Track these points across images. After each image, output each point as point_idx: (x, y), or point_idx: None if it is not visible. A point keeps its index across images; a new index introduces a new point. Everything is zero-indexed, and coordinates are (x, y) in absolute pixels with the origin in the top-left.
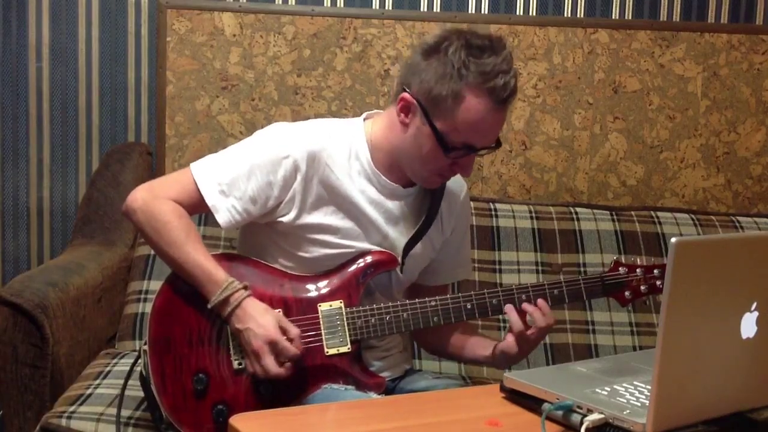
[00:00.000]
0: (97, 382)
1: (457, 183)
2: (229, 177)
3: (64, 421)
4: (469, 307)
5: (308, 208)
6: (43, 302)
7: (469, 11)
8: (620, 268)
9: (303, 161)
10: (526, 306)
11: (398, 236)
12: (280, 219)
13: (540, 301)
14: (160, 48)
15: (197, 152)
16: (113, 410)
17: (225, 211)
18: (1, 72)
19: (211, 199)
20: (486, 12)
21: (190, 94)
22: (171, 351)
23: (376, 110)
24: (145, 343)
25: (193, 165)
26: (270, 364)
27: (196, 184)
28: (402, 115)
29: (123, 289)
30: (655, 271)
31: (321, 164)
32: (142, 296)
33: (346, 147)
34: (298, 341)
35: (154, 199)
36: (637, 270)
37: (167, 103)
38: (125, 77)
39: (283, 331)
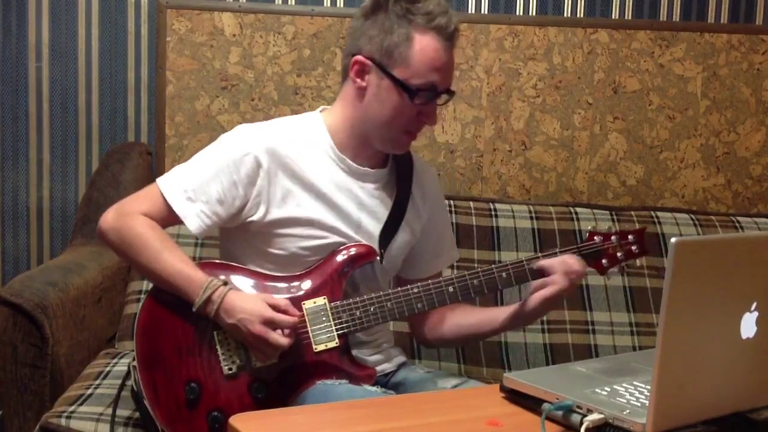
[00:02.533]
0: (97, 382)
1: (424, 168)
2: (194, 183)
3: (63, 421)
4: (451, 290)
5: (276, 202)
6: (43, 302)
7: (469, 11)
8: (595, 237)
9: (263, 156)
10: (543, 263)
11: (372, 223)
12: (250, 219)
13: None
14: (160, 48)
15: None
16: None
17: (194, 216)
18: (1, 72)
19: (179, 208)
20: (486, 12)
21: (189, 94)
22: (160, 364)
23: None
24: (134, 360)
25: (159, 179)
26: (277, 338)
27: (162, 195)
28: (358, 80)
29: (123, 289)
30: (630, 236)
31: (283, 157)
32: (142, 296)
33: (306, 137)
34: (291, 309)
35: (123, 216)
36: (612, 237)
37: (167, 103)
38: (125, 77)
39: (273, 307)
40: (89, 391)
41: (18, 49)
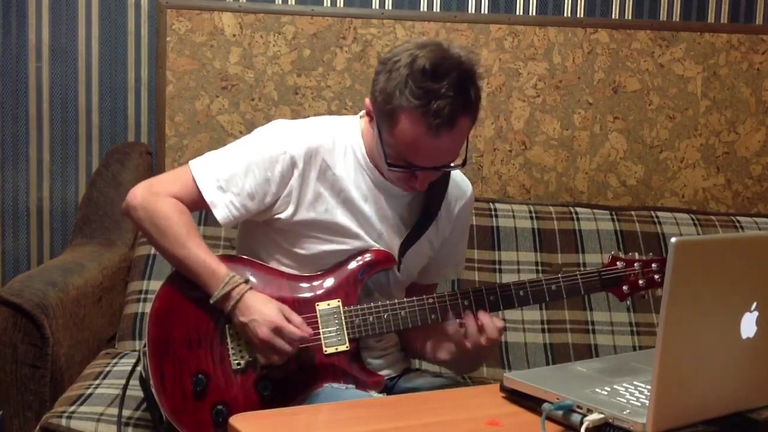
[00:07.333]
0: (97, 382)
1: (460, 187)
2: (227, 173)
3: (64, 421)
4: (466, 303)
5: (305, 204)
6: (43, 302)
7: (469, 11)
8: (618, 263)
9: (300, 158)
10: (465, 315)
11: (393, 235)
12: (277, 216)
13: (481, 312)
14: (160, 48)
15: (197, 152)
16: (113, 410)
17: (223, 206)
18: (1, 72)
19: (210, 195)
20: (486, 12)
21: (190, 94)
22: (170, 353)
23: None
24: (145, 345)
25: (192, 162)
26: (283, 345)
27: (194, 180)
28: (368, 118)
29: (123, 289)
30: (653, 265)
31: (318, 160)
32: (142, 296)
33: (342, 143)
34: (303, 326)
35: (154, 195)
36: (635, 264)
37: (167, 103)
38: (125, 77)
39: (287, 318)
40: (89, 391)
41: (18, 49)
